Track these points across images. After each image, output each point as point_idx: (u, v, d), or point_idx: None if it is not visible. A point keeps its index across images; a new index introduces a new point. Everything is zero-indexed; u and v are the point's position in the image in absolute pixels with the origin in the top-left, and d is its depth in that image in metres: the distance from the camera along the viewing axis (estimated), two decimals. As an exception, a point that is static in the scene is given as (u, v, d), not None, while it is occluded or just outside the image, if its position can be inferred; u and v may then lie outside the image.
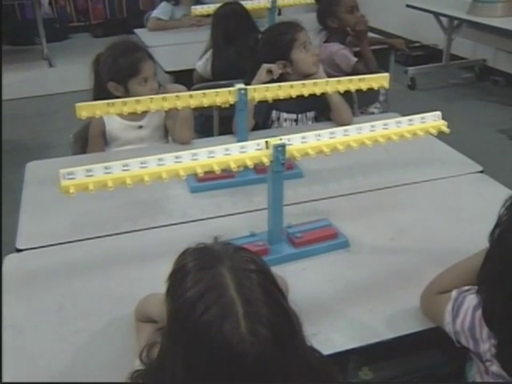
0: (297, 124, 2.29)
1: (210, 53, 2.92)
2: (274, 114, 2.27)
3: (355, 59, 2.86)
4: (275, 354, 0.77)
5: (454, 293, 1.10)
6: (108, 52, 2.06)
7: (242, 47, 2.71)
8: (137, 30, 3.92)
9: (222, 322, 0.76)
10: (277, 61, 2.16)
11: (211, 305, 0.77)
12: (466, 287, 1.10)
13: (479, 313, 1.02)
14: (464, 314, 1.06)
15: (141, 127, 2.13)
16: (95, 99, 1.97)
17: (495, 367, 1.00)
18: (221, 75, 2.65)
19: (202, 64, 2.95)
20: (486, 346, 1.01)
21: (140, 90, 2.00)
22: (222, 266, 0.82)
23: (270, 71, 2.10)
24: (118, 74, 2.02)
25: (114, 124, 2.10)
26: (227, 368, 0.76)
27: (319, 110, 2.28)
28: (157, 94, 1.99)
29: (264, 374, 0.77)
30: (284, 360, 0.79)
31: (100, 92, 2.03)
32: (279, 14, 3.94)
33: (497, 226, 1.00)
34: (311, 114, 2.30)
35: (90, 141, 2.13)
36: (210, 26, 2.95)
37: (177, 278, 0.85)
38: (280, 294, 0.85)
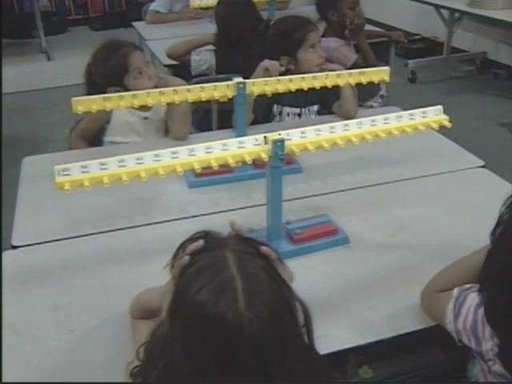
0: (300, 118, 2.24)
1: (207, 50, 2.79)
2: (275, 108, 2.23)
3: (355, 57, 2.82)
4: (274, 336, 0.76)
5: (455, 291, 1.08)
6: (94, 59, 2.04)
7: (251, 45, 2.54)
8: (135, 23, 3.89)
9: (219, 297, 0.75)
10: (282, 55, 2.10)
11: (208, 281, 0.77)
12: (468, 285, 1.08)
13: (481, 311, 1.01)
14: (466, 313, 1.04)
15: (146, 118, 2.10)
16: None
17: (498, 366, 0.99)
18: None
19: (199, 59, 2.80)
20: (489, 345, 1.00)
21: (137, 83, 1.98)
22: (226, 249, 0.83)
23: (267, 69, 2.03)
24: (111, 77, 2.00)
25: (121, 111, 2.04)
26: (224, 344, 0.75)
27: (324, 104, 2.23)
28: (156, 84, 1.98)
29: (261, 353, 0.76)
30: (283, 347, 0.77)
31: None
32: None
33: (498, 224, 0.99)
34: (314, 108, 2.25)
35: (81, 130, 2.10)
36: (215, 18, 2.80)
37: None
38: (284, 284, 0.84)
